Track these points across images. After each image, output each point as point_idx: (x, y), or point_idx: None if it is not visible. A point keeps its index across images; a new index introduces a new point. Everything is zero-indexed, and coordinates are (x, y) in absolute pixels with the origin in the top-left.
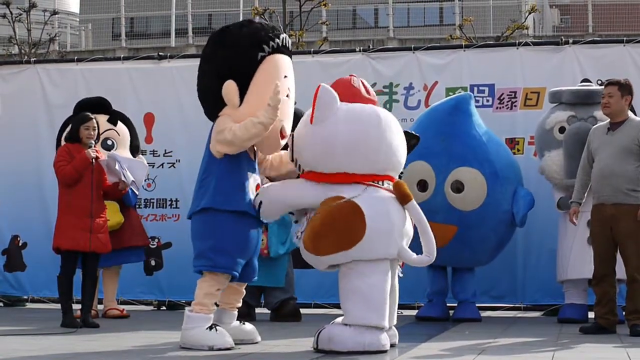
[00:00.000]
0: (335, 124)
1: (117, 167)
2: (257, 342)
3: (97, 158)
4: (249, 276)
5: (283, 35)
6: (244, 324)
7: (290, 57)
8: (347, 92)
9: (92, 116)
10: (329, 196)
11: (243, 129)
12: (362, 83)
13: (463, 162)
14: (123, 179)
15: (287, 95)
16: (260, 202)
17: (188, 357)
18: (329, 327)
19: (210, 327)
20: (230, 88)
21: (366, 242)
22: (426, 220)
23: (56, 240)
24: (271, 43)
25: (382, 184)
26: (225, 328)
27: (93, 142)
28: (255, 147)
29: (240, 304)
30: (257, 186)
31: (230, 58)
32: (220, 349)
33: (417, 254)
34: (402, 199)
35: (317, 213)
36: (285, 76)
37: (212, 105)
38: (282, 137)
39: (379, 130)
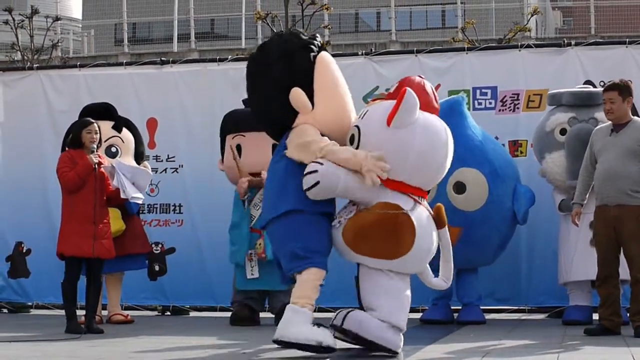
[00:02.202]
0: (413, 134)
1: (115, 182)
2: None
3: (99, 164)
4: None
5: (317, 36)
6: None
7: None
8: (421, 98)
9: (93, 120)
10: (386, 200)
11: (327, 152)
12: (433, 90)
13: (463, 163)
14: (123, 195)
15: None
16: (317, 183)
17: None
18: (358, 311)
19: (318, 324)
20: (298, 94)
21: (408, 258)
22: (451, 248)
23: (60, 246)
24: (315, 42)
25: (422, 200)
26: None
27: (95, 147)
28: None
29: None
30: None
31: (287, 66)
32: (329, 346)
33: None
34: (440, 223)
35: (369, 210)
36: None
37: (284, 119)
38: None
39: (446, 148)
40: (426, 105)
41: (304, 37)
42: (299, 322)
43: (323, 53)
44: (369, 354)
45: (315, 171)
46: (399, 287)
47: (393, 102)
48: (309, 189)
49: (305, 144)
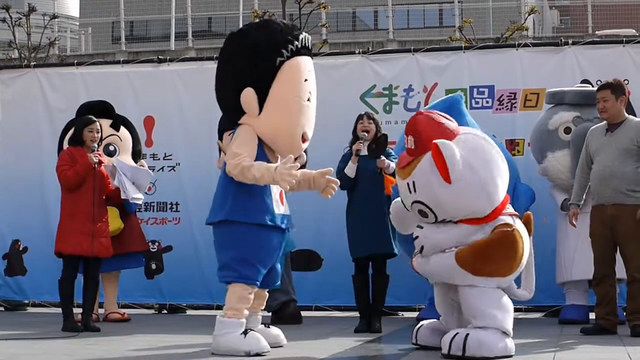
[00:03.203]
0: (474, 174)
1: (116, 182)
2: (282, 346)
3: (100, 163)
4: (274, 280)
5: (302, 36)
6: (269, 327)
7: (311, 56)
8: (435, 128)
9: (95, 119)
10: (497, 224)
11: (240, 173)
12: (439, 115)
13: None
14: (123, 196)
15: (308, 99)
16: (422, 248)
17: None
18: (472, 332)
19: (245, 332)
20: (248, 96)
21: (516, 272)
22: (533, 257)
23: (58, 244)
24: (289, 47)
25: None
26: None
27: (96, 146)
28: (276, 153)
29: (263, 307)
30: (280, 193)
31: (247, 64)
32: (257, 354)
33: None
34: (528, 232)
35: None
36: (306, 80)
37: (231, 112)
38: (304, 141)
39: (491, 147)
40: (442, 133)
41: (281, 37)
42: (226, 333)
43: (296, 59)
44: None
45: (417, 237)
46: (502, 294)
47: (428, 162)
48: (416, 253)
49: (230, 153)
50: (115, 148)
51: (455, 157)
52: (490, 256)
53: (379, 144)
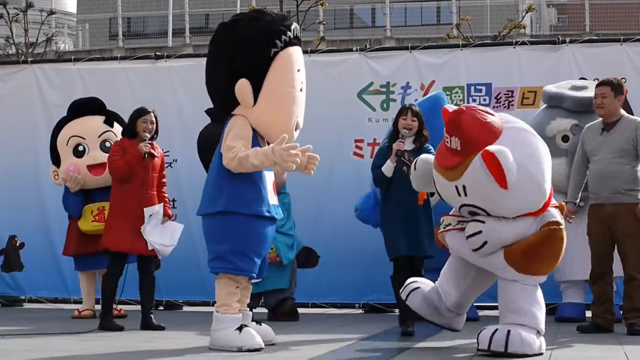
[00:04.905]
0: (528, 174)
1: (150, 248)
2: (274, 343)
3: (151, 154)
4: (262, 272)
5: (294, 26)
6: (260, 324)
7: (301, 46)
8: (482, 131)
9: (150, 109)
10: (546, 220)
11: (238, 164)
12: (482, 110)
13: None
14: (159, 255)
15: (301, 89)
16: (485, 243)
17: (185, 357)
18: (512, 329)
19: (240, 328)
20: (243, 87)
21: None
22: None
23: (105, 239)
24: (283, 37)
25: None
26: None
27: (147, 136)
28: (267, 141)
29: (249, 299)
30: (273, 184)
31: (241, 55)
32: (249, 350)
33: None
34: None
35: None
36: (299, 70)
37: (224, 103)
38: (296, 129)
39: (537, 141)
40: (488, 132)
41: (274, 27)
42: (222, 329)
43: (288, 50)
44: None
45: (480, 232)
46: (538, 289)
47: (480, 165)
48: (477, 249)
49: (225, 147)
50: (111, 144)
51: (512, 163)
52: (539, 255)
53: (404, 162)
